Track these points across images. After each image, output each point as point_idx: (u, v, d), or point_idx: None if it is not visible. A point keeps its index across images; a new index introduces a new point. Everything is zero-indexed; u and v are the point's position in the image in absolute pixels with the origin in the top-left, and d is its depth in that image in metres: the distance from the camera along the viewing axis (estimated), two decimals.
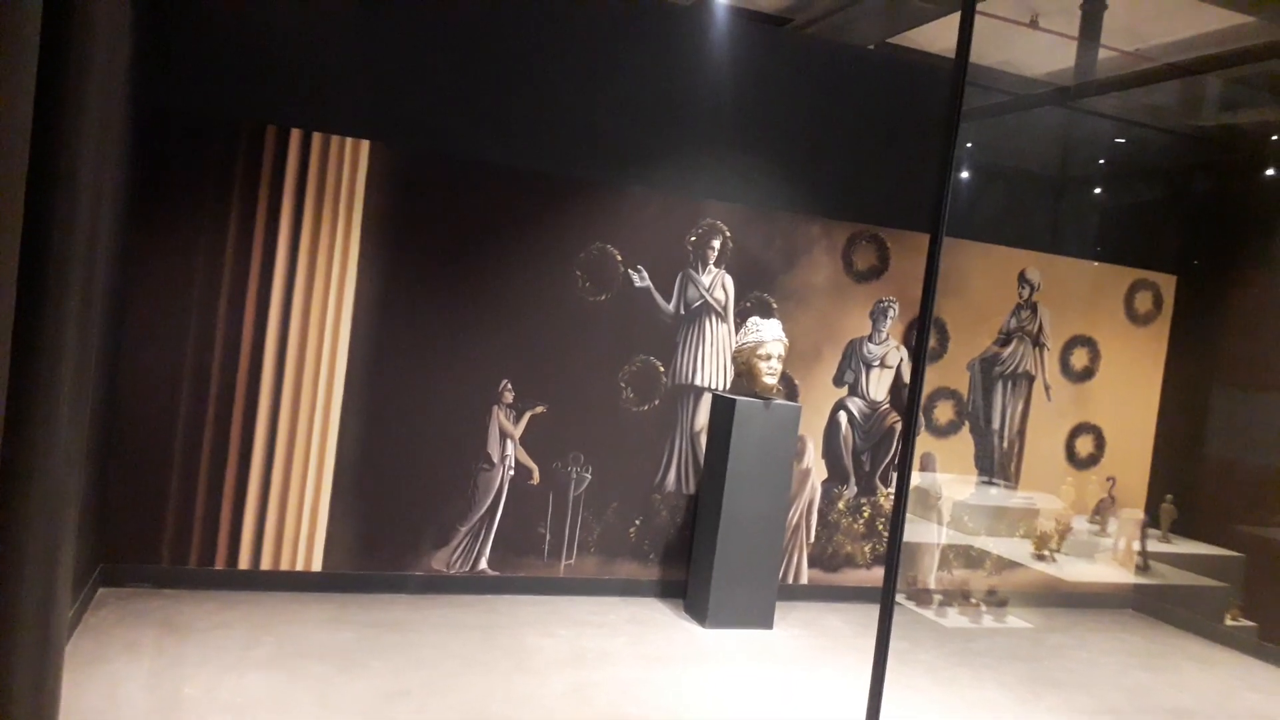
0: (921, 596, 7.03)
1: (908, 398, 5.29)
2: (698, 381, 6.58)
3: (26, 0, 2.67)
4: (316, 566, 5.84)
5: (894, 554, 4.04)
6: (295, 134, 5.65)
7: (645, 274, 6.40)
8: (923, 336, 4.01)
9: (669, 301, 6.47)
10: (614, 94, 6.29)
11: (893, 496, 7.12)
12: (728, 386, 6.58)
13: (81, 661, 4.40)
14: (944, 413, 7.30)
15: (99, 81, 3.03)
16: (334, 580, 5.86)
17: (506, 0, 6.06)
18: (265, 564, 5.74)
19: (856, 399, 7.01)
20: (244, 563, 5.71)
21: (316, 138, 5.68)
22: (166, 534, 5.57)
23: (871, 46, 6.97)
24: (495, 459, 6.15)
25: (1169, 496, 7.37)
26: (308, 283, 5.72)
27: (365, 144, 5.76)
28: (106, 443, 5.31)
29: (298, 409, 5.75)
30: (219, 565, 5.67)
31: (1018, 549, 7.33)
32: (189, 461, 5.59)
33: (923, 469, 7.24)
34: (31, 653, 2.98)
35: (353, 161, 5.76)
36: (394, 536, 5.97)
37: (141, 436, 5.49)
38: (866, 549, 7.09)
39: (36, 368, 2.90)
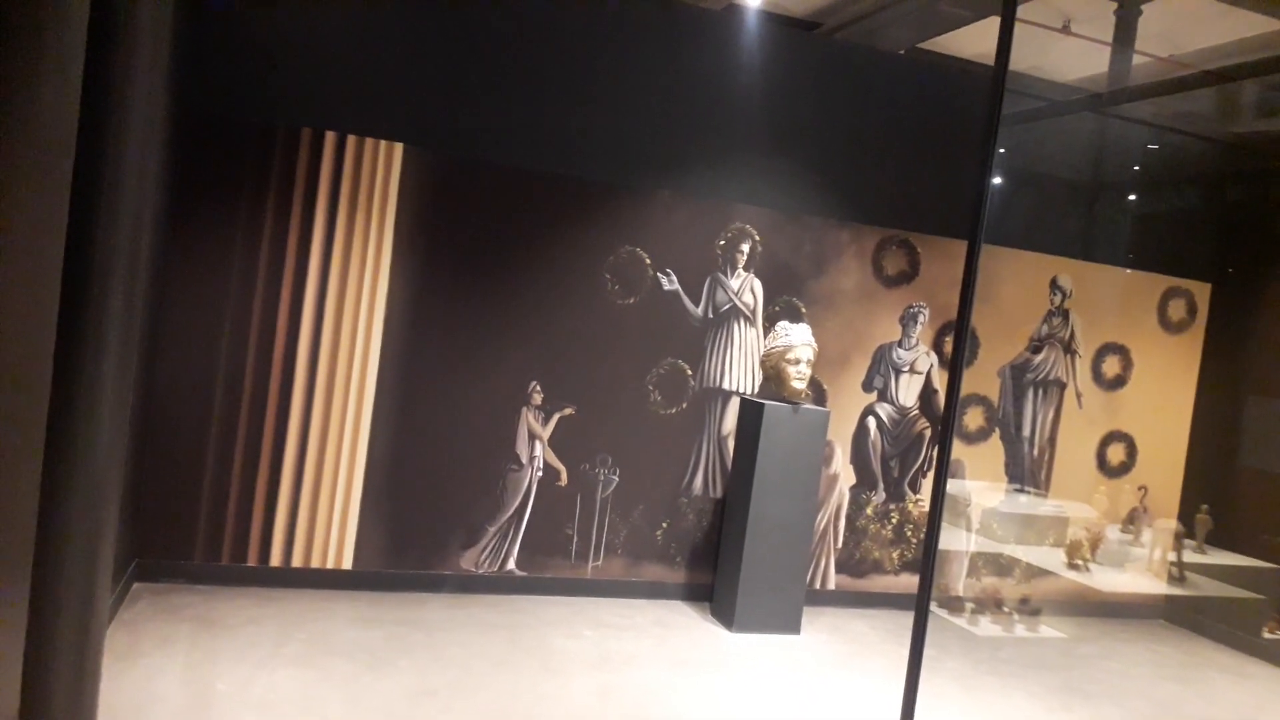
0: (952, 604, 6.99)
1: (944, 406, 5.26)
2: (725, 385, 6.58)
3: (73, 11, 2.73)
4: (347, 565, 5.89)
5: (929, 561, 4.03)
6: (330, 137, 5.71)
7: (674, 277, 6.42)
8: (959, 344, 3.99)
9: (697, 305, 6.48)
10: (644, 98, 6.32)
11: (922, 503, 7.08)
12: (756, 390, 6.58)
13: (116, 655, 4.47)
14: (974, 419, 7.25)
15: (142, 91, 3.08)
16: (364, 579, 5.91)
17: (538, 6, 6.11)
18: (296, 561, 5.81)
19: (885, 405, 6.99)
20: (276, 560, 5.78)
21: (351, 141, 5.75)
22: (200, 531, 5.65)
23: (902, 51, 6.95)
24: (524, 460, 6.18)
25: (1204, 506, 7.27)
26: (341, 284, 5.78)
27: (399, 147, 5.82)
28: (142, 440, 5.40)
29: (330, 409, 5.81)
30: (251, 562, 5.74)
31: (1049, 557, 7.27)
32: (223, 460, 5.66)
33: (951, 476, 7.19)
34: (72, 646, 3.04)
35: (386, 165, 5.82)
36: (423, 536, 6.02)
37: (176, 434, 5.57)
38: (894, 555, 7.06)
39: (80, 365, 2.96)
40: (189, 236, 5.50)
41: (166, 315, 5.49)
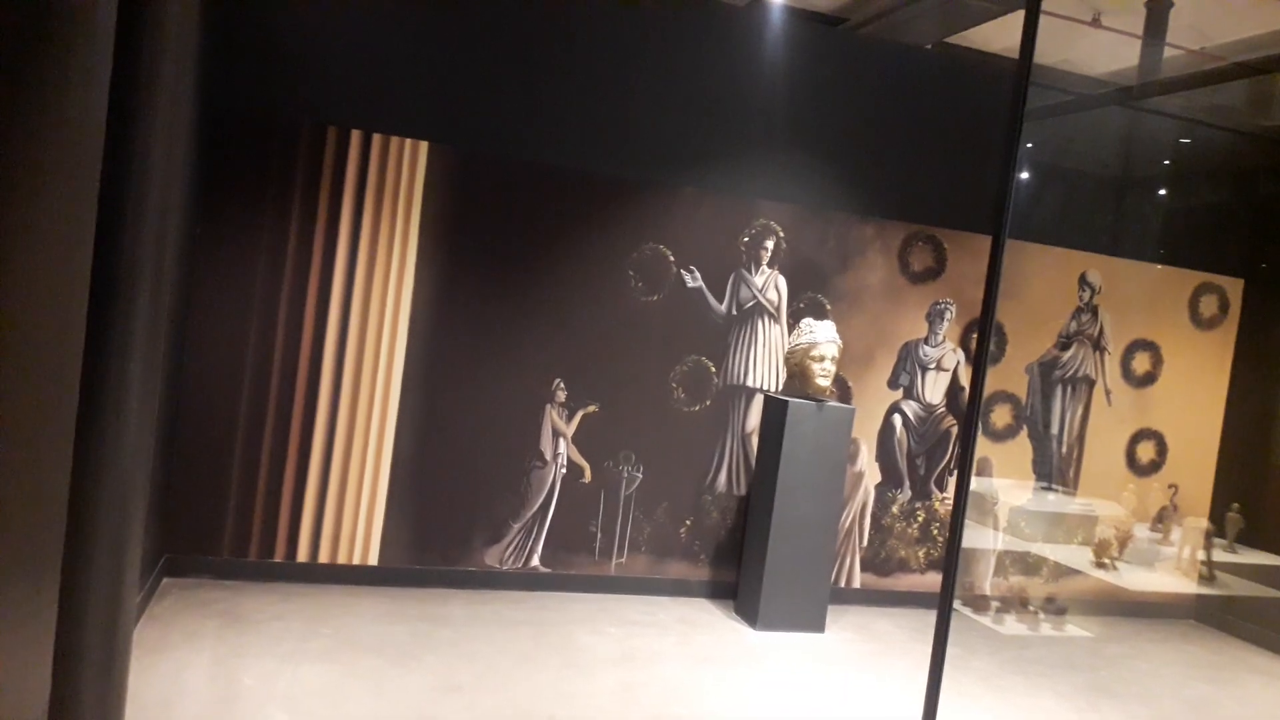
0: (977, 603, 6.94)
1: (968, 402, 5.22)
2: (749, 382, 6.56)
3: (100, 12, 2.76)
4: (372, 561, 5.93)
5: (953, 560, 4.00)
6: (355, 135, 5.75)
7: (698, 274, 6.40)
8: (983, 340, 3.96)
9: (721, 302, 6.47)
10: (669, 94, 6.31)
11: (948, 501, 7.03)
12: (780, 388, 6.56)
13: (145, 650, 4.53)
14: (1001, 416, 7.19)
15: (169, 88, 3.11)
16: (389, 575, 5.95)
17: (563, 3, 6.11)
18: (323, 558, 5.86)
19: (911, 402, 6.94)
20: (302, 556, 5.83)
21: (376, 139, 5.78)
22: (228, 527, 5.71)
23: (929, 46, 6.89)
24: (548, 457, 6.20)
25: (1235, 505, 7.17)
26: (367, 282, 5.82)
27: (424, 145, 5.84)
28: (170, 437, 5.46)
29: (356, 406, 5.85)
30: (278, 558, 5.79)
31: (1077, 556, 7.19)
32: (250, 456, 5.72)
33: (979, 473, 7.13)
34: (100, 640, 3.07)
35: (411, 162, 5.84)
36: (448, 532, 6.05)
37: (204, 431, 5.63)
38: (920, 554, 7.02)
39: (107, 364, 2.99)
40: (216, 235, 5.56)
41: (194, 313, 5.55)
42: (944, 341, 6.96)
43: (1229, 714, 5.80)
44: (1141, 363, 7.50)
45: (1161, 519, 7.39)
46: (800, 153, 6.58)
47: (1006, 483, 7.24)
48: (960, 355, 7.01)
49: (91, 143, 2.84)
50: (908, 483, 6.98)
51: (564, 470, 6.24)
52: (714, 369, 6.49)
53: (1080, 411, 7.38)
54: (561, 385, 6.19)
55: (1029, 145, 7.04)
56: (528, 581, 6.21)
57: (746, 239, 6.49)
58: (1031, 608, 6.91)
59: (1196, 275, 7.58)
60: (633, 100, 6.26)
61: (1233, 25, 6.11)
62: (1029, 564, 7.22)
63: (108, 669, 3.13)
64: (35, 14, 2.43)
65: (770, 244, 6.53)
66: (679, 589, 6.49)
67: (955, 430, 7.03)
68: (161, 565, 5.51)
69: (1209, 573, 7.05)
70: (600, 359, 6.26)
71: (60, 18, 2.56)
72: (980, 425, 6.97)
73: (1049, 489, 7.34)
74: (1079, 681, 5.91)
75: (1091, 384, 7.38)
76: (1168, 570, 7.23)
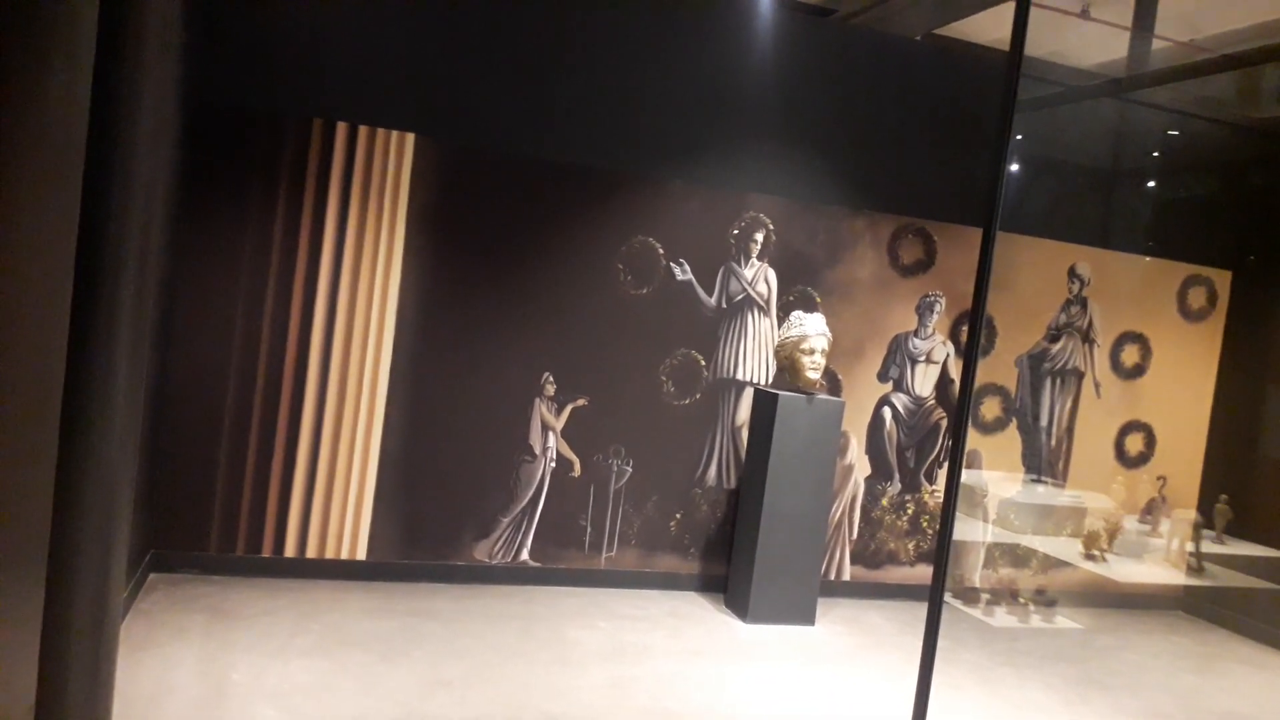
0: (967, 595, 6.95)
1: (959, 394, 5.23)
2: (739, 376, 6.55)
3: (83, 4, 2.72)
4: (361, 555, 5.91)
5: (943, 552, 4.00)
6: (341, 127, 5.70)
7: (687, 267, 6.39)
8: (974, 333, 3.95)
9: (711, 295, 6.45)
10: (657, 86, 6.28)
11: (938, 494, 7.04)
12: (770, 381, 6.55)
13: (132, 646, 4.49)
14: (991, 409, 7.20)
15: (153, 81, 3.08)
16: (377, 569, 5.92)
17: None
18: (311, 552, 5.83)
19: (901, 395, 6.94)
20: (290, 551, 5.80)
21: (362, 131, 5.73)
22: (215, 522, 5.67)
23: (918, 37, 6.89)
24: (537, 451, 6.18)
25: (1224, 497, 7.20)
26: (353, 275, 5.78)
27: (410, 137, 5.80)
28: (157, 431, 5.42)
29: (343, 400, 5.81)
30: (266, 553, 5.76)
31: (1066, 548, 7.22)
32: (237, 451, 5.68)
33: (968, 466, 7.15)
34: (87, 637, 3.05)
35: (398, 155, 5.80)
36: (437, 527, 6.03)
37: (191, 426, 5.59)
38: (910, 546, 7.03)
39: (92, 358, 2.96)
40: (201, 228, 5.51)
41: (180, 306, 5.50)
42: (933, 334, 6.96)
43: (1217, 704, 5.82)
44: (1130, 355, 7.52)
45: (1150, 511, 7.42)
46: (790, 145, 6.56)
47: (996, 475, 7.26)
48: (950, 348, 7.01)
49: (75, 136, 2.80)
50: (897, 475, 6.98)
51: (553, 464, 6.23)
52: (704, 362, 6.48)
53: (1069, 404, 7.39)
54: (550, 379, 6.17)
55: (1018, 137, 7.03)
56: (517, 576, 6.20)
57: (736, 232, 6.47)
58: (1021, 600, 6.93)
59: (1185, 267, 7.61)
60: (621, 92, 6.22)
61: (1221, 17, 6.12)
62: (1018, 556, 7.24)
63: (94, 665, 3.11)
64: (14, 5, 2.39)
65: (760, 237, 6.51)
66: (669, 582, 6.49)
67: (945, 423, 7.04)
68: (148, 561, 5.48)
69: (1197, 564, 7.09)
70: (589, 352, 6.24)
71: (42, 10, 2.52)
72: (970, 418, 6.98)
73: (1038, 481, 7.36)
74: (1069, 673, 5.93)
75: (1081, 376, 7.40)
76: (1156, 562, 7.27)
